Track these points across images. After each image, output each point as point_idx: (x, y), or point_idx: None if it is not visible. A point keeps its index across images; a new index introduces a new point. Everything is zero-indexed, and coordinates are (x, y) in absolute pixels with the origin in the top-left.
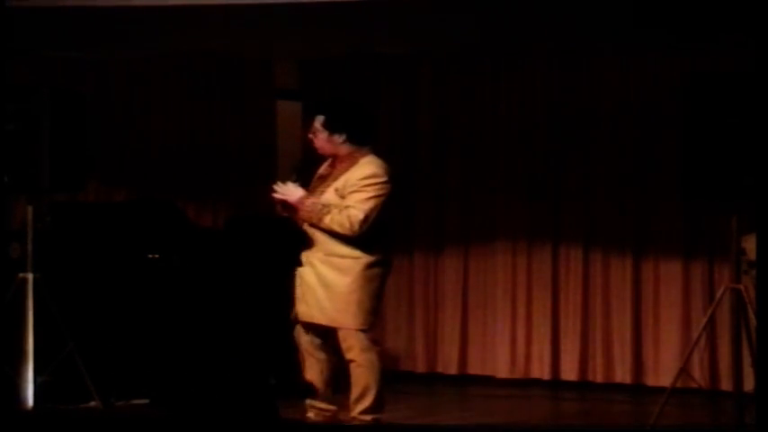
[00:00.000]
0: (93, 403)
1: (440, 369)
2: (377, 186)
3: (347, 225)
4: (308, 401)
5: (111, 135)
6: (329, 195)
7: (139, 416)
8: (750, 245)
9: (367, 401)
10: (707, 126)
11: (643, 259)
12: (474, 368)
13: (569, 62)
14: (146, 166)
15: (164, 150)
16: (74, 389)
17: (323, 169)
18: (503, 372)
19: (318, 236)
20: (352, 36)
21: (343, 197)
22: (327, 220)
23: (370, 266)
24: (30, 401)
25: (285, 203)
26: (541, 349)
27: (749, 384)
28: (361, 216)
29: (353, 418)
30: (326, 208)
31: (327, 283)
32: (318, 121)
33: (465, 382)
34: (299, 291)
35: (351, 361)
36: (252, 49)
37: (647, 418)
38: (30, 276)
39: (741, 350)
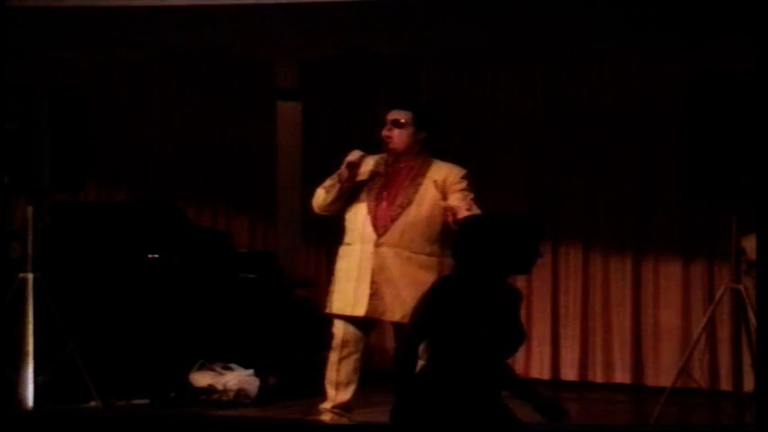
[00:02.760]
0: (93, 403)
1: None
2: (471, 186)
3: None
4: (329, 406)
5: (111, 135)
6: (428, 187)
7: (139, 416)
8: (750, 245)
9: None
10: (707, 126)
11: (643, 259)
12: None
13: (569, 62)
14: (146, 166)
15: (164, 150)
16: (74, 389)
17: (379, 168)
18: None
19: (407, 233)
20: (352, 36)
21: (443, 191)
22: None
23: (442, 264)
24: (30, 401)
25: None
26: (541, 349)
27: (749, 384)
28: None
29: None
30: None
31: (414, 280)
32: (406, 115)
33: None
34: (366, 287)
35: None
36: (252, 49)
37: (647, 418)
38: (30, 276)
39: (741, 350)
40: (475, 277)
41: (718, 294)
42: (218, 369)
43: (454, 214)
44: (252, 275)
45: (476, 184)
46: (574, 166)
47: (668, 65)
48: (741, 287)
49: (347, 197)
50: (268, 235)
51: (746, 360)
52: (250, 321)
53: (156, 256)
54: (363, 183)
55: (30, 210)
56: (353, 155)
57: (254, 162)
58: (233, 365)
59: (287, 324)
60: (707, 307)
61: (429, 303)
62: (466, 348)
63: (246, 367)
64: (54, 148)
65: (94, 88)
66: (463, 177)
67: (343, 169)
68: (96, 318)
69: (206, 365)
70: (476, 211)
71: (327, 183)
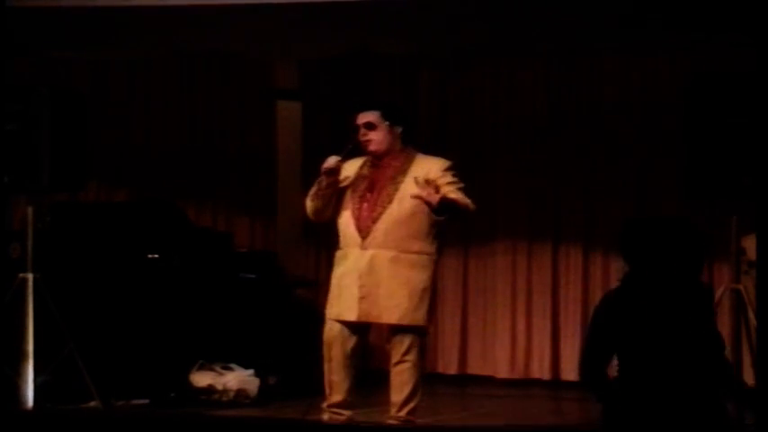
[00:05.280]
0: (93, 403)
1: (440, 369)
2: (458, 177)
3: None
4: (325, 406)
5: (111, 135)
6: (409, 184)
7: (139, 416)
8: (750, 245)
9: (415, 401)
10: (707, 126)
11: None
12: (474, 368)
13: (569, 62)
14: (146, 166)
15: (164, 150)
16: (74, 389)
17: (363, 170)
18: (503, 372)
19: (391, 233)
20: (352, 36)
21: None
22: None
23: (436, 262)
24: (30, 401)
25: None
26: (541, 349)
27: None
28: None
29: (399, 417)
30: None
31: (407, 280)
32: (374, 115)
33: (465, 382)
34: (356, 290)
35: (404, 362)
36: (252, 49)
37: None
38: (30, 276)
39: (741, 350)
40: (651, 281)
41: (718, 294)
42: (218, 369)
43: (436, 189)
44: (252, 275)
45: (475, 184)
46: (574, 166)
47: (668, 65)
48: (741, 287)
49: (336, 203)
50: (268, 235)
51: (747, 360)
52: (250, 321)
53: (156, 256)
54: (349, 187)
55: (30, 210)
56: (329, 161)
57: (254, 162)
58: (233, 365)
59: (287, 324)
60: None
61: (608, 314)
62: (659, 356)
63: (246, 367)
64: (54, 148)
65: (94, 88)
66: (446, 170)
67: (321, 177)
68: (96, 318)
69: (206, 365)
70: (461, 197)
71: (312, 191)
